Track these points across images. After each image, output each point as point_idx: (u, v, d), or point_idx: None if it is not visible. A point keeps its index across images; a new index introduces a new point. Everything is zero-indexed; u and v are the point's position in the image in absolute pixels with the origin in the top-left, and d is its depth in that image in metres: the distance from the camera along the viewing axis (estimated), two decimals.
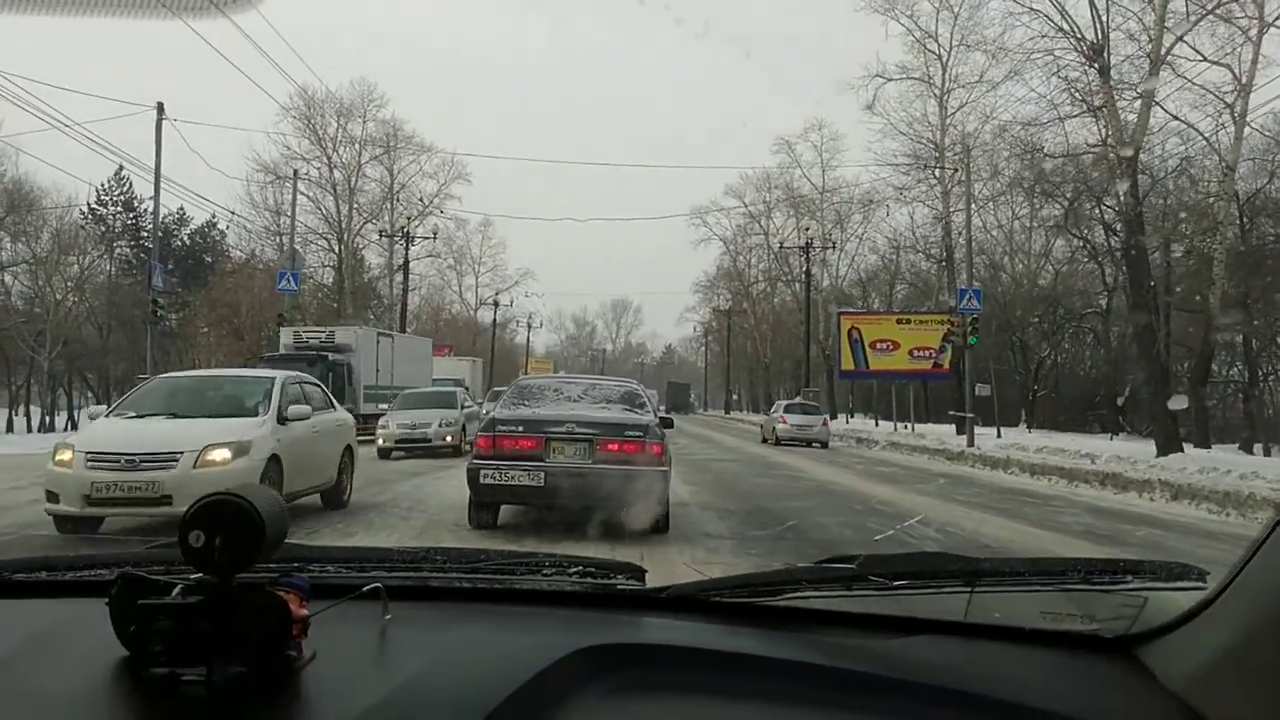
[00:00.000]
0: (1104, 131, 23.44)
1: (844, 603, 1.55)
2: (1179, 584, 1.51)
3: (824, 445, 30.20)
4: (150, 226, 55.67)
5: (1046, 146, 29.29)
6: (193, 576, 1.20)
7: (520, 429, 9.43)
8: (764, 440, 32.89)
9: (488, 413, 11.74)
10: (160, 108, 25.60)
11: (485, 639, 1.40)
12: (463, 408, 22.73)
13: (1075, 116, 24.47)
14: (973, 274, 30.74)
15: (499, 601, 1.63)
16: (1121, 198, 22.81)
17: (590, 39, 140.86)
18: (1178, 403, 26.79)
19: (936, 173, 37.15)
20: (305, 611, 1.22)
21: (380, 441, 20.99)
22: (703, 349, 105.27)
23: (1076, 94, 23.58)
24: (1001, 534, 10.81)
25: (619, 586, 1.68)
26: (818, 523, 11.21)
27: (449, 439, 21.23)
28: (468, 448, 16.06)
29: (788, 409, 33.17)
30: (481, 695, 1.13)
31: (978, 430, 32.81)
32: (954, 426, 40.32)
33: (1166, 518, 12.68)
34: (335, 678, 1.20)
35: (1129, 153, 21.51)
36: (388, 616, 1.39)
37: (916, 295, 55.70)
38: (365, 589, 1.42)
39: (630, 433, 9.38)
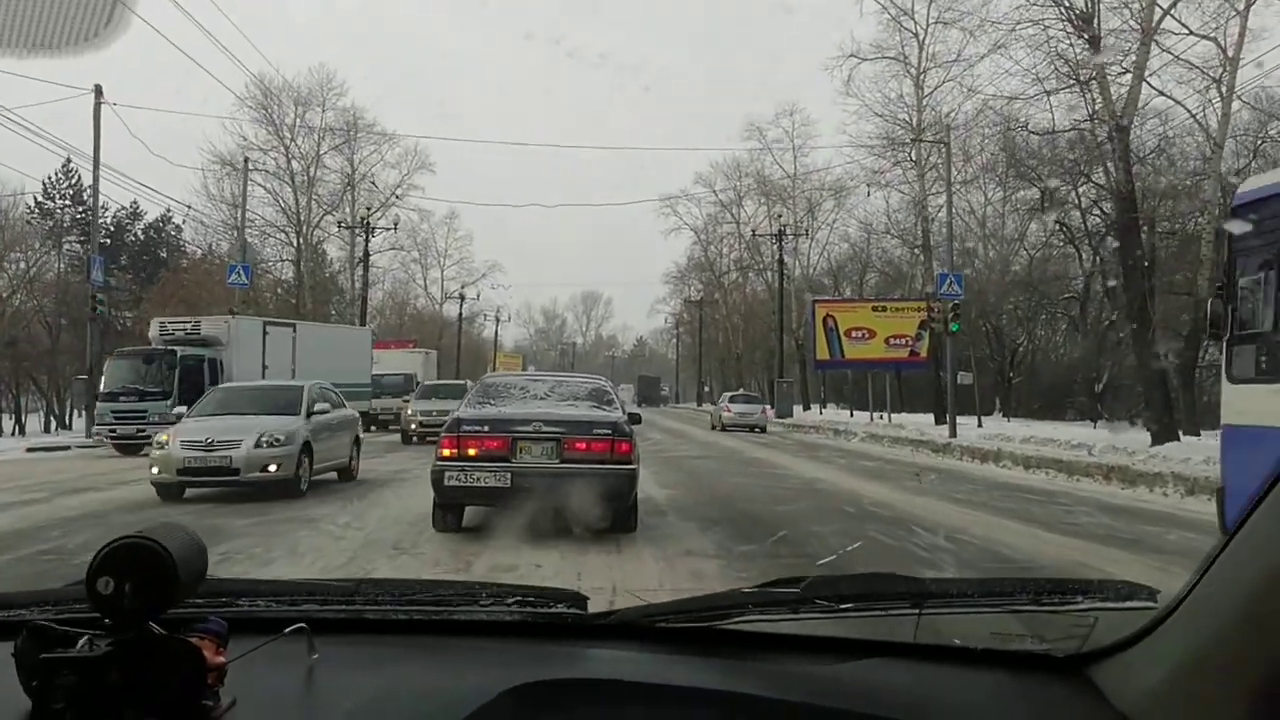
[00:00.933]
0: (1092, 105, 22.40)
1: (790, 626, 1.51)
2: (1129, 604, 1.50)
3: (763, 430, 35.00)
4: (103, 220, 54.87)
5: (1030, 125, 27.71)
6: (105, 622, 1.14)
7: (485, 429, 9.28)
8: (713, 427, 37.35)
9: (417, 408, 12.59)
10: (98, 90, 24.10)
11: (418, 676, 1.36)
12: (310, 414, 14.61)
13: (1063, 90, 23.38)
14: (953, 258, 29.66)
15: (435, 634, 1.58)
16: (1113, 172, 21.71)
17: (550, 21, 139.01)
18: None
19: (912, 155, 35.89)
20: (221, 659, 1.17)
21: (155, 472, 13.51)
22: (674, 340, 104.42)
23: (1065, 67, 22.49)
24: (1020, 542, 9.67)
25: (559, 615, 1.63)
26: (812, 532, 10.03)
27: (274, 468, 13.33)
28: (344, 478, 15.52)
29: (732, 399, 38.94)
30: None
31: (957, 420, 32.90)
32: (932, 416, 39.75)
33: (1190, 516, 11.49)
34: None
35: (1124, 123, 20.46)
36: (315, 656, 1.33)
37: (888, 283, 54.81)
38: (289, 629, 1.36)
39: (598, 431, 9.25)
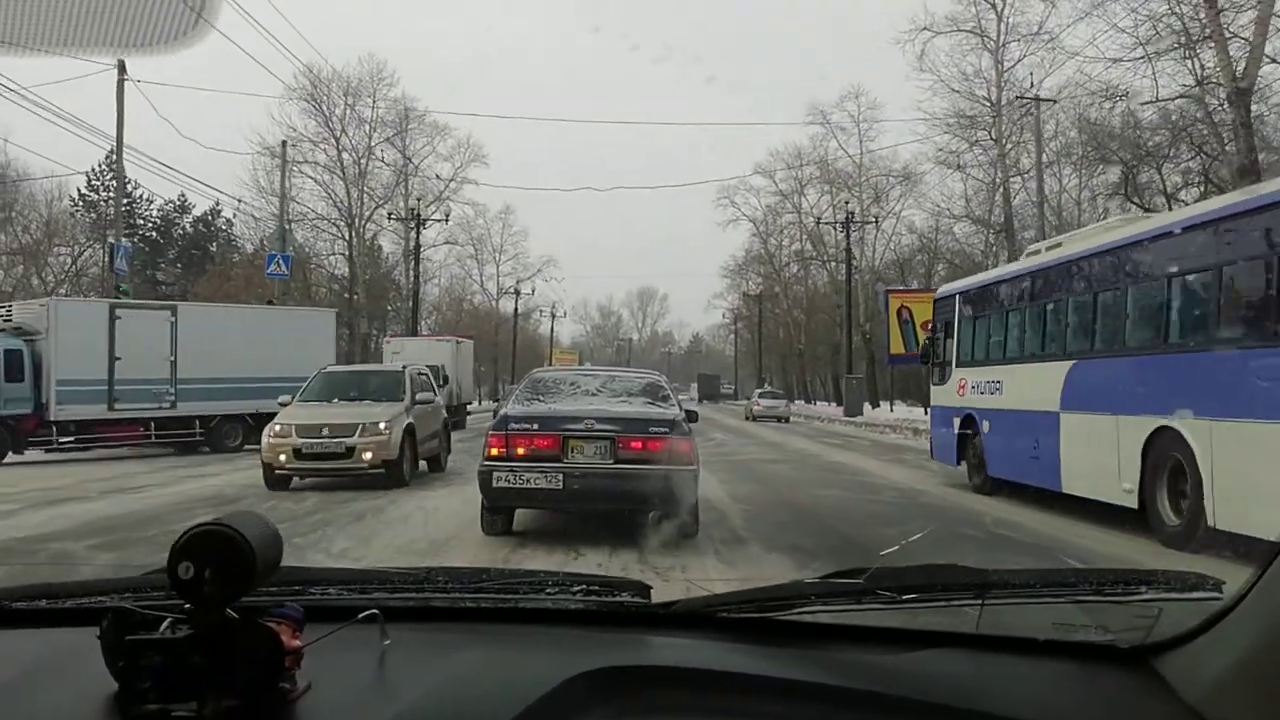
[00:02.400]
0: (1199, 71, 20.14)
1: (853, 616, 1.52)
2: (1194, 594, 1.48)
3: (786, 420, 42.55)
4: (146, 212, 54.17)
5: (1129, 95, 25.35)
6: (186, 606, 1.17)
7: (535, 427, 8.91)
8: (746, 418, 45.02)
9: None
10: (121, 67, 22.74)
11: (488, 662, 1.39)
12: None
13: (1168, 54, 21.08)
14: (1045, 237, 27.33)
15: (503, 621, 1.62)
16: (1232, 140, 19.44)
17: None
18: None
19: (993, 133, 33.56)
20: (298, 642, 1.20)
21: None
22: (732, 336, 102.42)
23: (1168, 28, 20.26)
24: None
25: (624, 604, 1.64)
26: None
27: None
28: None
29: (760, 395, 49.50)
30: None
31: None
32: None
33: None
34: (331, 708, 1.19)
35: (1243, 86, 18.22)
36: (387, 641, 1.36)
37: (958, 275, 52.17)
38: (362, 615, 1.40)
39: (655, 429, 8.88)
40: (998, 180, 34.62)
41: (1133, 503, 9.57)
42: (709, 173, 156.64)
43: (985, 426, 13.33)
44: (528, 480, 8.66)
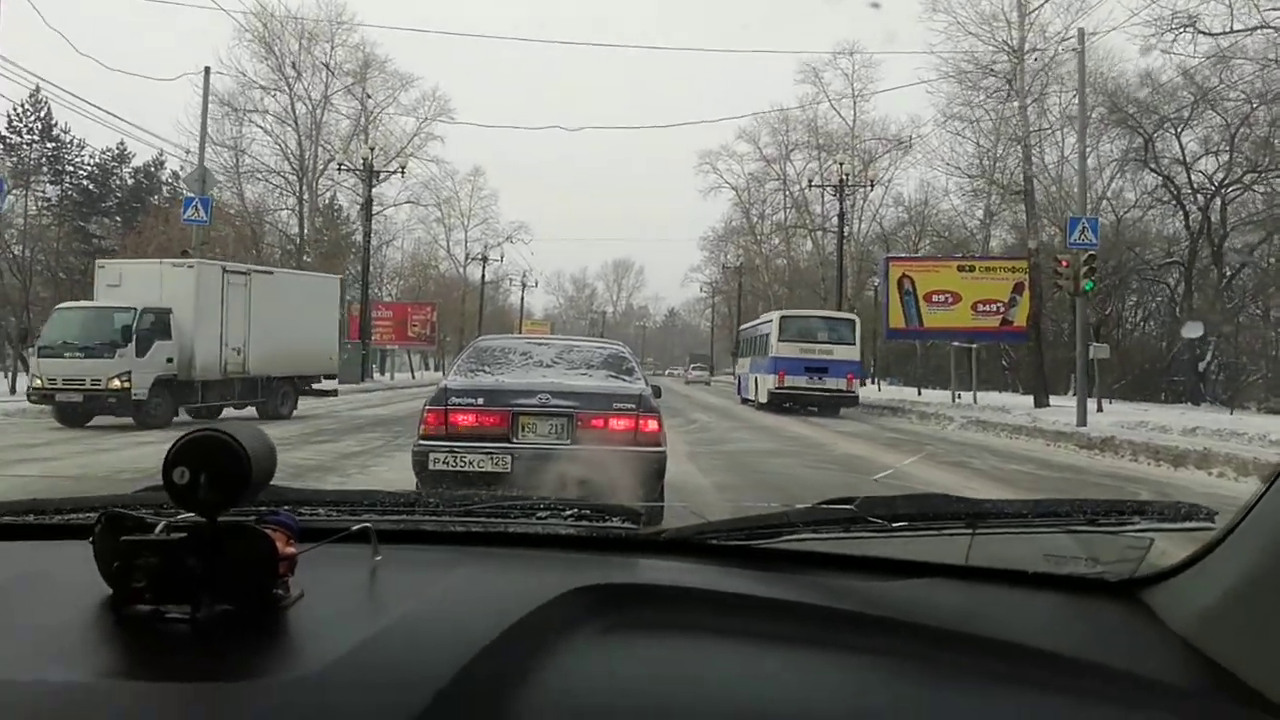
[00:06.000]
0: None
1: (842, 545, 1.52)
2: (1186, 524, 1.49)
3: (707, 384, 55.13)
4: (78, 159, 49.99)
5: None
6: (179, 516, 1.19)
7: (480, 401, 7.99)
8: (686, 383, 60.49)
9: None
10: None
11: (479, 580, 1.39)
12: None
13: None
14: (1086, 198, 23.94)
15: (492, 545, 1.62)
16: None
17: None
18: (1192, 330, 29.20)
19: (1014, 84, 30.02)
20: (293, 550, 1.20)
21: None
22: (709, 310, 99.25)
23: None
24: None
25: (614, 529, 1.68)
26: None
27: None
28: None
29: (692, 367, 76.03)
30: (476, 631, 1.12)
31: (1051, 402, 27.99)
32: (1021, 398, 34.53)
33: None
34: (323, 616, 1.19)
35: None
36: (378, 558, 1.37)
37: (947, 250, 49.04)
38: (354, 529, 1.41)
39: (620, 405, 8.02)
40: (1017, 135, 30.97)
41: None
42: (691, 133, 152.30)
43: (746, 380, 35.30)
44: (470, 463, 7.73)
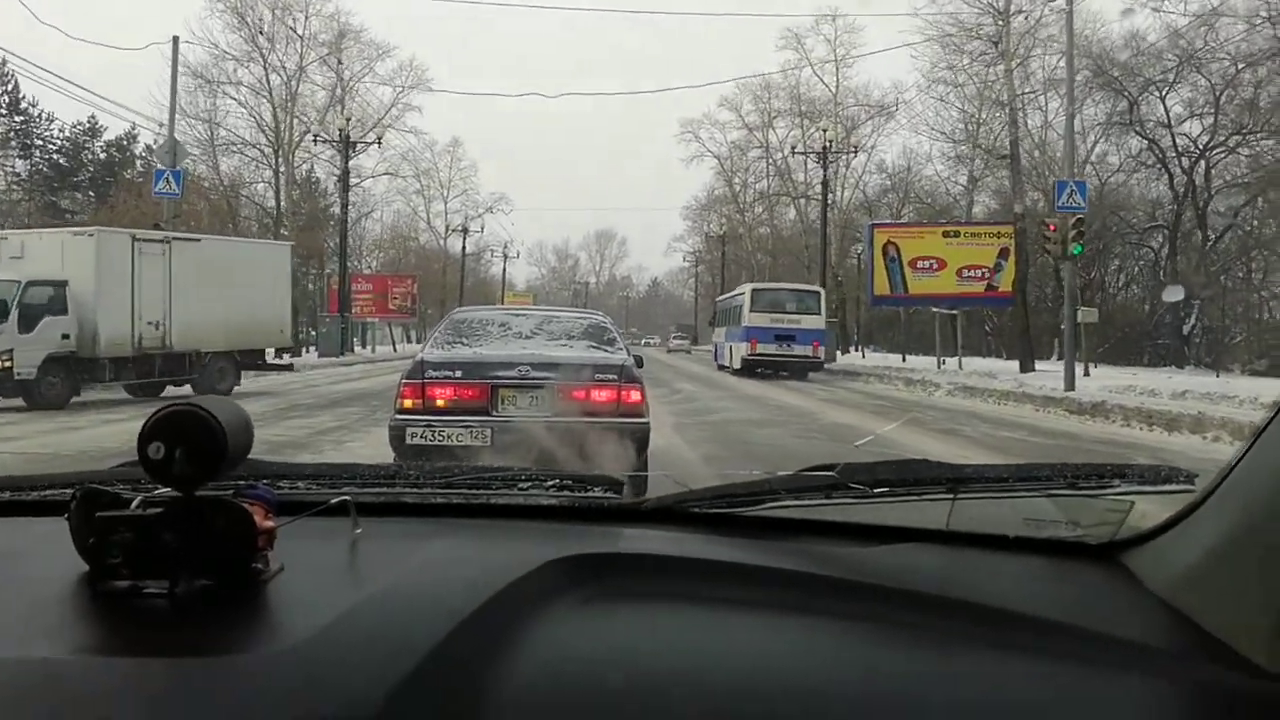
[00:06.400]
0: None
1: (824, 511, 1.53)
2: (1166, 487, 1.50)
3: (688, 352, 61.53)
4: (47, 132, 49.01)
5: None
6: (155, 491, 1.18)
7: (458, 374, 7.82)
8: (668, 351, 65.27)
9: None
10: None
11: (460, 551, 1.39)
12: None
13: None
14: (1074, 161, 23.68)
15: (474, 516, 1.63)
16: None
17: None
18: (1173, 294, 28.82)
19: (1000, 45, 29.63)
20: (271, 523, 1.19)
21: None
22: (692, 280, 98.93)
23: None
24: None
25: (596, 499, 1.69)
26: None
27: None
28: None
29: (674, 336, 76.65)
30: (456, 602, 1.11)
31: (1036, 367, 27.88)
32: (1007, 362, 34.40)
33: None
34: (303, 589, 1.19)
35: None
36: (358, 530, 1.37)
37: (930, 216, 48.81)
38: (333, 501, 1.42)
39: (601, 375, 7.77)
40: (1001, 99, 30.66)
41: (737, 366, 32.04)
42: (673, 100, 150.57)
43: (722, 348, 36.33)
44: (449, 437, 7.56)
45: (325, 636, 1.03)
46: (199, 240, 22.13)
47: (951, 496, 1.51)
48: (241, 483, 1.31)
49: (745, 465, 10.17)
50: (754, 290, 33.16)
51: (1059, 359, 38.75)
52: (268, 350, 22.36)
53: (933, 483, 1.57)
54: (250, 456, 1.24)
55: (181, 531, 1.11)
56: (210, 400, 1.15)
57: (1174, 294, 29.35)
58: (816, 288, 35.07)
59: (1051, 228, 21.53)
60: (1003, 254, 30.52)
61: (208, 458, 1.11)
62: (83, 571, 1.16)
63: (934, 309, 32.94)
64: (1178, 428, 13.81)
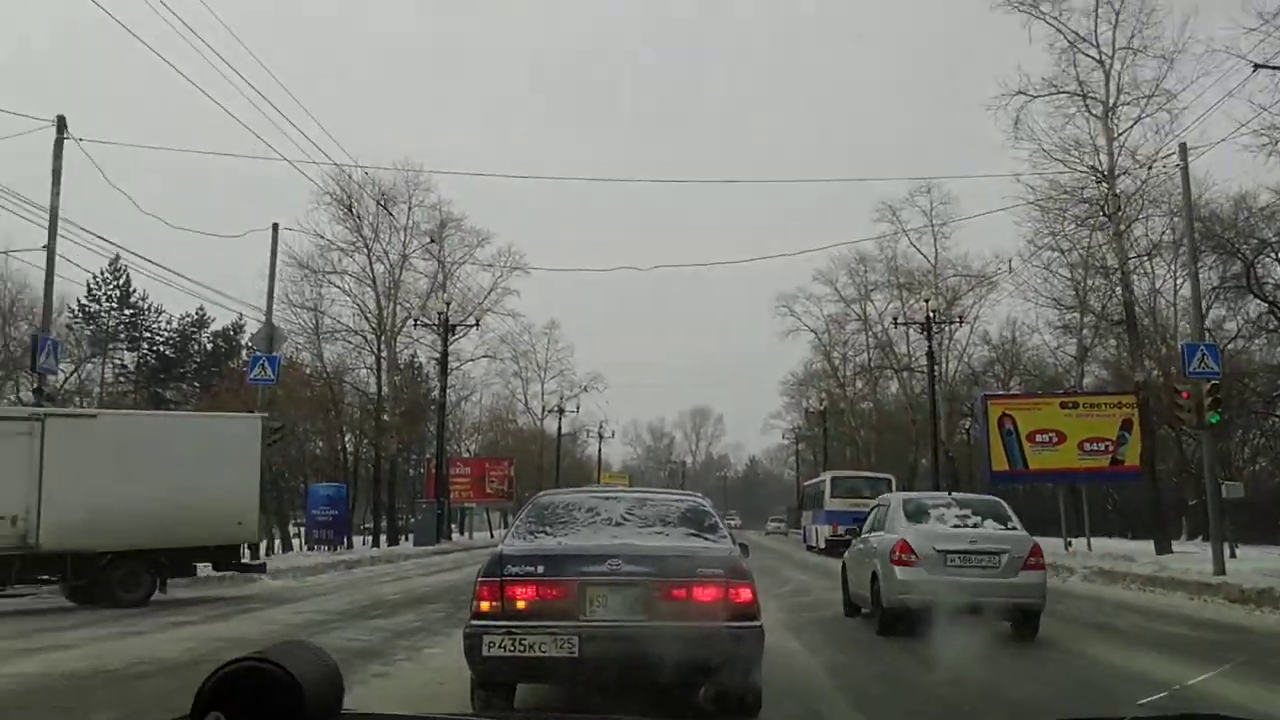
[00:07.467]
0: None
1: None
2: None
3: (785, 535, 68.41)
4: (155, 324, 50.78)
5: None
6: None
7: (540, 570, 6.95)
8: (766, 534, 71.54)
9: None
10: (61, 122, 18.88)
11: None
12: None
13: None
14: (1202, 323, 22.30)
15: None
16: None
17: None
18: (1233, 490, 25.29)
19: (1106, 208, 28.68)
20: None
21: None
22: (791, 459, 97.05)
23: None
24: None
25: None
26: None
27: None
28: None
29: (771, 521, 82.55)
30: None
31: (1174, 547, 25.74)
32: (1138, 541, 32.16)
33: None
34: None
35: None
36: None
37: (1038, 388, 47.13)
38: None
39: (705, 571, 6.89)
40: (1105, 265, 29.55)
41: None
42: (768, 271, 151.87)
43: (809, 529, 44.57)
44: (531, 646, 6.68)
45: None
46: (96, 416, 19.47)
47: None
48: None
49: (897, 692, 9.09)
50: (833, 478, 39.66)
51: (1188, 538, 36.49)
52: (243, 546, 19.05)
53: None
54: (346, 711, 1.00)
55: None
56: (284, 650, 0.97)
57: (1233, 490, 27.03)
58: (887, 475, 40.37)
59: (1184, 395, 20.04)
60: (1125, 425, 28.83)
61: None
62: None
63: (1050, 485, 31.06)
64: None
